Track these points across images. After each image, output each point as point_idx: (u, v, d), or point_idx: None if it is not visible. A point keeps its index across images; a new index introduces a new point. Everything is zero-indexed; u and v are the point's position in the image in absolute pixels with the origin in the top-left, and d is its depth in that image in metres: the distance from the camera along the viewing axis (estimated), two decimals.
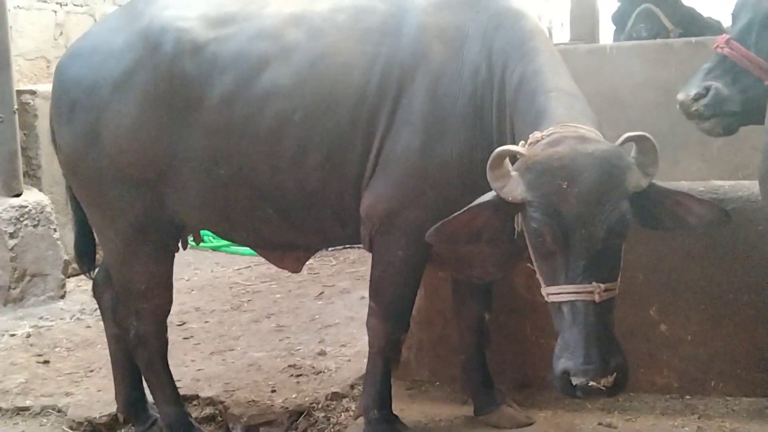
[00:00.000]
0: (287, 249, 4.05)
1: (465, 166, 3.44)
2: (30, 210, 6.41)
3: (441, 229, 3.15)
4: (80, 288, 6.85)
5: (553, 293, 3.03)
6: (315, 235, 3.91)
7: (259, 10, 3.74)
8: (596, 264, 2.95)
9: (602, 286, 2.95)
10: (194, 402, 4.55)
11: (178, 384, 4.71)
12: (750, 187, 3.93)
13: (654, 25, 6.14)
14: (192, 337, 5.64)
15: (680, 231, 3.95)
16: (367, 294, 6.13)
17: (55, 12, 7.65)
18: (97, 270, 4.28)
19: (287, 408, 4.36)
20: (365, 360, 4.86)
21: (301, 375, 4.77)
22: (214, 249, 8.18)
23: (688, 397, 4.11)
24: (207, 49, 3.63)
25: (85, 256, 4.29)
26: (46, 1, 7.53)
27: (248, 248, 4.63)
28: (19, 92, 6.63)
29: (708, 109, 3.72)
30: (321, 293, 6.46)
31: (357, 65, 3.53)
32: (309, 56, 3.57)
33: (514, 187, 3.00)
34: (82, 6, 7.91)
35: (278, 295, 6.50)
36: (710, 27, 6.48)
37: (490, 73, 3.44)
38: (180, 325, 5.89)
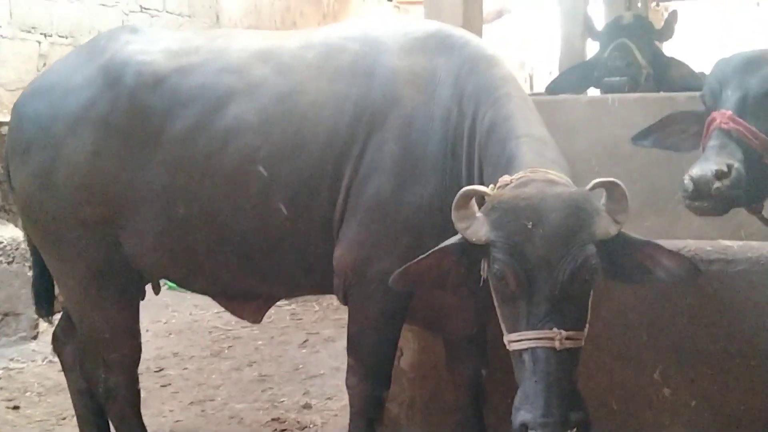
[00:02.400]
0: (247, 298, 3.87)
1: (437, 212, 3.32)
2: (5, 246, 6.18)
3: (405, 272, 3.02)
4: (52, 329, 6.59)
5: (514, 340, 2.89)
6: (278, 283, 3.74)
7: (226, 44, 3.64)
8: (558, 310, 2.82)
9: (564, 333, 2.80)
10: None
11: None
12: (759, 248, 3.81)
13: (629, 58, 6.13)
14: (170, 384, 5.43)
15: (681, 289, 3.87)
16: None
17: (39, 43, 7.49)
18: (57, 321, 4.06)
19: None
20: None
21: (285, 430, 4.58)
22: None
23: None
24: (169, 81, 3.51)
25: (43, 300, 4.08)
26: (30, 32, 7.37)
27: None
28: None
29: (730, 189, 3.48)
30: (305, 341, 6.26)
31: (326, 104, 3.43)
32: (276, 92, 3.46)
33: (478, 228, 2.90)
34: (66, 38, 7.75)
35: (260, 342, 6.29)
36: (676, 64, 6.49)
37: (461, 118, 3.37)
38: (157, 371, 5.67)
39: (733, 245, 3.98)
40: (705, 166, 3.47)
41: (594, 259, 2.85)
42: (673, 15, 6.40)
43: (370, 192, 3.36)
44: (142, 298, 3.87)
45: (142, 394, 5.09)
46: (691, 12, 17.27)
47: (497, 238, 2.86)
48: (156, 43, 3.65)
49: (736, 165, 3.46)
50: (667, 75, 6.22)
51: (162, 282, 4.02)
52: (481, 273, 3.02)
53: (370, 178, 3.36)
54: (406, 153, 3.35)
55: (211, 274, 3.65)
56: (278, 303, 7.24)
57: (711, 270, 3.84)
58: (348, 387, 3.67)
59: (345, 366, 5.43)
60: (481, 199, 2.97)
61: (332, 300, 7.47)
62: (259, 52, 3.59)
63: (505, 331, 2.98)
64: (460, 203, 2.92)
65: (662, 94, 5.36)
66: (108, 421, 3.98)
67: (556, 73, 10.66)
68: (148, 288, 3.88)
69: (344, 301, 3.57)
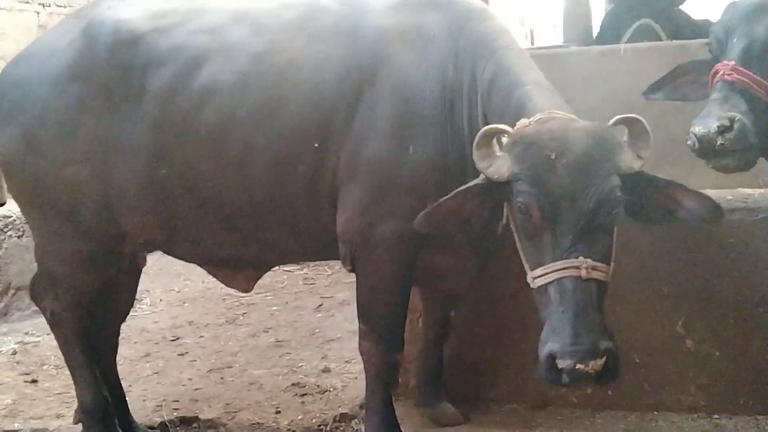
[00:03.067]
0: (235, 266, 3.83)
1: (439, 170, 3.30)
2: (14, 220, 6.14)
3: (430, 214, 3.05)
4: None
5: (539, 275, 2.90)
6: (264, 249, 3.67)
7: (202, 5, 3.62)
8: (583, 240, 2.82)
9: (590, 262, 2.81)
10: (194, 424, 4.28)
11: (175, 405, 4.52)
12: None
13: (654, 41, 5.93)
14: (187, 353, 5.40)
15: (702, 239, 3.83)
16: None
17: (38, 13, 7.38)
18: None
19: (294, 431, 4.11)
20: None
21: (305, 394, 4.54)
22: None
23: (716, 416, 3.91)
24: (145, 40, 3.50)
25: None
26: (28, 2, 7.26)
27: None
28: None
29: (735, 143, 3.36)
30: (320, 305, 6.23)
31: (306, 64, 3.38)
32: (252, 53, 3.42)
33: (500, 165, 2.92)
34: (65, 7, 7.63)
35: (275, 308, 6.26)
36: (702, 30, 6.31)
37: (457, 74, 3.34)
38: (174, 340, 5.66)
39: (754, 193, 3.95)
40: (706, 122, 3.37)
41: (618, 191, 2.85)
42: None
43: (368, 154, 3.30)
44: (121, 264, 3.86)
45: (160, 363, 5.17)
46: None
47: (521, 170, 2.87)
48: (137, 5, 3.65)
49: (739, 117, 3.36)
50: (687, 35, 6.00)
51: None
52: (504, 217, 3.06)
53: (366, 139, 3.31)
54: (401, 112, 3.30)
55: (194, 239, 3.63)
56: (289, 268, 7.31)
57: (732, 219, 3.79)
58: (361, 353, 3.65)
59: None
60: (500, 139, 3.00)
61: None
62: (234, 12, 3.56)
63: (528, 269, 2.97)
64: (481, 143, 2.95)
65: (674, 42, 5.23)
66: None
67: (560, 28, 10.54)
68: (158, 257, 3.87)
69: (351, 267, 3.53)
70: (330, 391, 4.55)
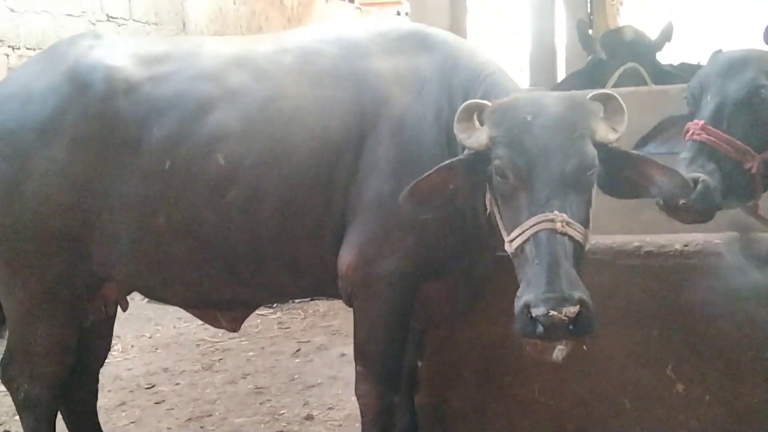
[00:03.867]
0: (225, 307, 3.77)
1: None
2: None
3: (414, 190, 3.05)
4: None
5: (515, 236, 2.92)
6: (261, 290, 3.66)
7: (196, 50, 3.56)
8: (558, 196, 2.87)
9: (564, 216, 2.83)
10: None
11: None
12: None
13: (640, 85, 6.03)
14: (164, 401, 5.28)
15: (692, 283, 3.84)
16: (347, 351, 5.98)
17: (8, 56, 7.28)
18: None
19: None
20: (357, 425, 4.59)
21: None
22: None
23: None
24: (142, 89, 3.41)
25: None
26: None
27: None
28: None
29: (696, 203, 3.42)
30: (297, 350, 6.14)
31: (311, 109, 3.38)
32: (257, 99, 3.40)
33: (479, 134, 3.00)
34: (34, 50, 7.55)
35: (251, 353, 6.15)
36: (680, 74, 6.43)
37: (452, 112, 3.33)
38: (149, 388, 5.52)
39: None
40: None
41: (592, 153, 2.91)
42: (669, 26, 6.36)
43: (370, 194, 3.34)
44: (94, 317, 3.73)
45: (136, 412, 5.05)
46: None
47: (498, 134, 2.95)
48: (122, 48, 3.55)
49: (702, 178, 3.41)
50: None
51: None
52: (486, 204, 3.12)
53: (368, 180, 3.34)
54: (401, 153, 3.34)
55: (190, 283, 3.55)
56: (263, 312, 7.22)
57: (721, 263, 3.81)
58: (359, 396, 3.61)
59: (341, 375, 5.49)
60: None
61: (318, 307, 7.39)
62: (233, 57, 3.53)
63: (506, 237, 2.99)
64: (462, 116, 3.05)
65: (655, 87, 5.32)
66: None
67: (527, 71, 10.66)
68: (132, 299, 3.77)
69: (350, 303, 3.52)
70: None
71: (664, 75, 6.32)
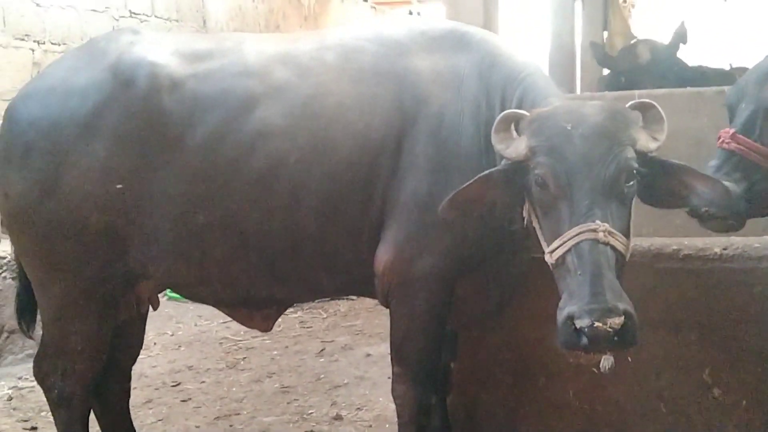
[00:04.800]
0: (260, 305, 3.74)
1: None
2: (9, 261, 5.95)
3: (452, 201, 3.05)
4: None
5: (556, 246, 2.89)
6: (298, 288, 3.64)
7: (237, 47, 3.54)
8: (600, 206, 2.84)
9: (606, 225, 2.81)
10: None
11: None
12: None
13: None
14: (190, 399, 5.26)
15: (730, 288, 3.81)
16: (372, 351, 5.98)
17: (33, 51, 7.28)
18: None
19: None
20: (387, 426, 4.61)
21: None
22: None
23: None
24: (186, 86, 3.39)
25: (28, 312, 3.84)
26: (23, 39, 7.16)
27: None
28: None
29: (719, 211, 3.50)
30: (322, 350, 6.12)
31: (353, 106, 3.38)
32: (300, 95, 3.39)
33: (518, 144, 2.99)
34: (59, 45, 7.56)
35: (275, 352, 6.14)
36: (701, 74, 6.41)
37: (490, 111, 3.37)
38: (175, 385, 5.51)
39: None
40: None
41: (634, 162, 2.89)
42: (682, 27, 6.33)
43: (408, 192, 3.33)
44: (127, 314, 3.70)
45: (163, 410, 5.03)
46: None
47: (537, 143, 2.93)
48: (163, 45, 3.52)
49: (729, 186, 3.39)
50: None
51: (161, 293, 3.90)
52: (524, 215, 3.09)
53: (406, 178, 3.34)
54: (438, 151, 3.34)
55: (227, 280, 3.53)
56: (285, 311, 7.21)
57: (759, 267, 3.78)
58: (395, 397, 3.60)
59: (368, 375, 5.47)
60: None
61: (339, 306, 7.37)
62: (276, 54, 3.51)
63: (546, 247, 2.97)
64: (500, 127, 3.05)
65: (690, 89, 5.29)
66: None
67: (546, 69, 10.62)
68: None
69: (386, 303, 3.52)
70: None
71: (688, 72, 6.31)
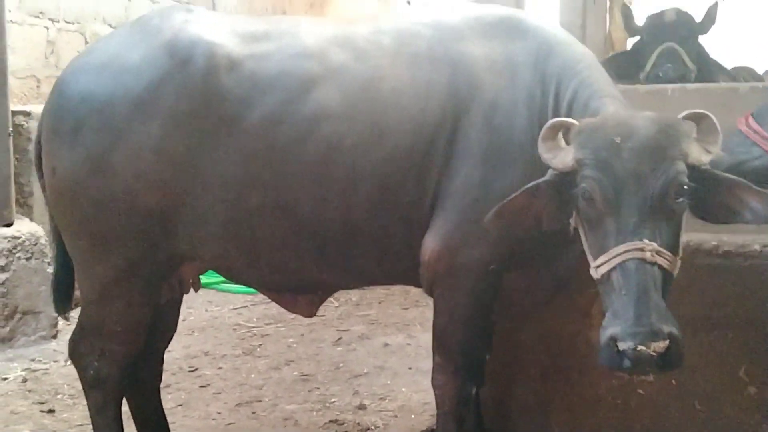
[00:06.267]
0: (306, 290, 3.71)
1: None
2: (23, 241, 5.87)
3: (499, 212, 3.01)
4: (70, 327, 6.26)
5: (602, 262, 2.83)
6: (347, 274, 3.59)
7: (294, 29, 3.48)
8: (649, 224, 2.77)
9: (654, 245, 2.74)
10: None
11: None
12: None
13: (679, 66, 5.99)
14: (209, 385, 5.20)
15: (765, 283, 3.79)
16: (390, 341, 5.94)
17: (47, 28, 7.17)
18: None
19: None
20: (413, 416, 4.57)
21: None
22: (204, 286, 7.70)
23: None
24: (245, 66, 3.33)
25: (65, 291, 3.79)
26: (38, 17, 7.06)
27: (251, 288, 4.07)
28: (13, 113, 6.11)
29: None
30: (339, 339, 6.06)
31: (407, 91, 3.33)
32: (358, 78, 3.34)
33: (565, 154, 2.92)
34: (73, 23, 7.45)
35: (291, 340, 6.08)
36: (719, 67, 6.39)
37: (544, 100, 3.33)
38: (192, 371, 5.44)
39: None
40: None
41: (685, 177, 2.80)
42: (714, 7, 6.28)
43: (459, 180, 3.29)
44: (169, 296, 3.68)
45: (182, 395, 4.98)
46: None
47: (584, 156, 2.86)
48: (219, 25, 3.45)
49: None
50: (712, 78, 6.07)
51: None
52: (571, 222, 3.02)
53: (459, 166, 3.29)
54: (492, 139, 3.29)
55: (277, 265, 3.48)
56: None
57: None
58: (435, 386, 3.55)
59: (387, 365, 5.43)
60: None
61: (350, 296, 7.32)
62: (333, 37, 3.45)
63: (591, 261, 2.92)
64: (547, 135, 2.98)
65: (723, 84, 5.27)
66: None
67: None
68: None
69: (430, 292, 3.47)
70: (372, 429, 4.41)
71: (707, 60, 6.28)
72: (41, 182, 3.55)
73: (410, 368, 5.37)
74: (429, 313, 6.43)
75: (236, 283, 3.87)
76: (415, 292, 7.05)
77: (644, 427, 3.98)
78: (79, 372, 3.63)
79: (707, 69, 6.10)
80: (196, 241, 3.38)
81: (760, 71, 7.28)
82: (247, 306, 7.10)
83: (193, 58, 3.29)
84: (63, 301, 3.80)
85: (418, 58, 3.38)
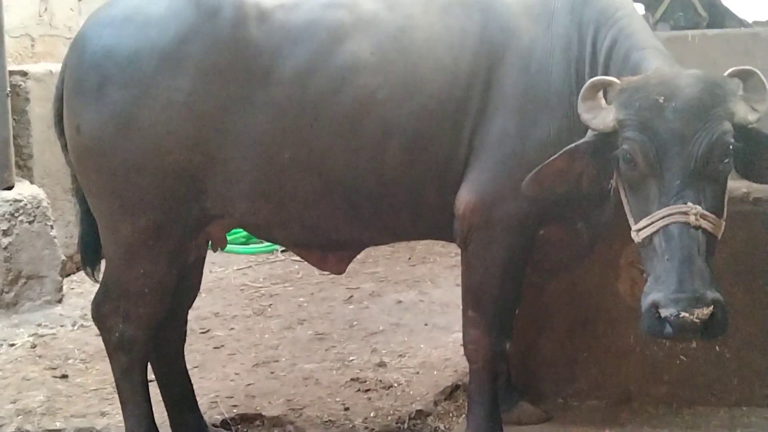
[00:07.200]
0: (337, 248, 3.62)
1: (564, 146, 3.09)
2: (25, 204, 5.73)
3: (537, 176, 2.96)
4: (75, 291, 6.21)
5: (644, 226, 2.78)
6: (379, 230, 3.51)
7: None
8: (693, 186, 2.70)
9: (699, 208, 2.68)
10: (257, 422, 4.06)
11: (231, 401, 4.27)
12: None
13: (691, 14, 5.90)
14: (223, 346, 5.13)
15: None
16: (402, 298, 5.87)
17: None
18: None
19: (372, 429, 3.91)
20: (435, 373, 4.52)
21: (369, 390, 4.34)
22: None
23: None
24: (274, 17, 3.21)
25: (93, 252, 3.66)
26: None
27: (279, 245, 4.04)
28: (9, 73, 5.94)
29: None
30: (350, 297, 5.97)
31: (441, 40, 3.23)
32: (390, 28, 3.23)
33: (606, 115, 2.83)
34: None
35: (301, 299, 5.99)
36: (731, 15, 6.29)
37: (581, 46, 3.24)
38: (204, 332, 5.37)
39: None
40: None
41: (731, 137, 2.72)
42: None
43: (495, 131, 3.21)
44: (192, 257, 3.58)
45: (197, 357, 4.90)
46: None
47: (626, 117, 2.78)
48: None
49: None
50: (722, 25, 5.97)
51: None
52: (611, 183, 2.96)
53: (495, 116, 3.21)
54: (528, 88, 3.20)
55: (309, 222, 3.39)
56: (299, 259, 7.08)
57: None
58: (468, 342, 3.50)
59: (403, 322, 5.37)
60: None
61: None
62: None
63: (633, 224, 2.86)
64: (587, 95, 2.89)
65: (744, 30, 5.17)
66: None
67: None
68: None
69: (464, 246, 3.38)
70: (394, 386, 4.35)
71: (718, 7, 6.17)
72: (61, 141, 3.42)
73: (426, 324, 5.31)
74: (438, 270, 6.48)
75: (264, 240, 3.77)
76: (420, 248, 7.03)
77: (672, 377, 3.95)
78: (102, 334, 3.53)
79: (719, 17, 5.99)
80: (225, 199, 3.28)
81: None
82: (251, 266, 7.00)
83: (221, 9, 3.17)
84: (92, 264, 3.69)
85: (450, 6, 3.28)
